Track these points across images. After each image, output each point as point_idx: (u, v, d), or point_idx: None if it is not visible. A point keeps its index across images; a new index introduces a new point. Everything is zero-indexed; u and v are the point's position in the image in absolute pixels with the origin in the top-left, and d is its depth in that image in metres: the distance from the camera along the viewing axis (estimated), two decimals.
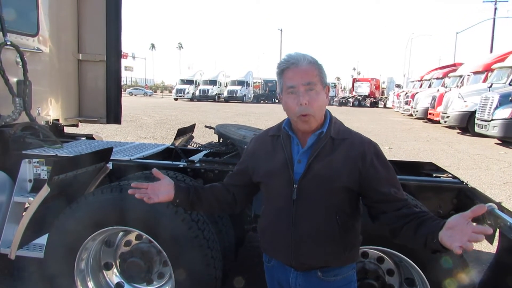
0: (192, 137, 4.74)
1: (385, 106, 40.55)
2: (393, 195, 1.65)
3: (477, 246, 4.44)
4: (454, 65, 26.15)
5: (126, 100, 33.04)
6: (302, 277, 1.74)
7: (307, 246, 1.69)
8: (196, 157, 3.36)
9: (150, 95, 62.99)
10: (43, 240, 2.80)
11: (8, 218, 3.01)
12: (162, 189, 1.81)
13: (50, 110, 4.08)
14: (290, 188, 1.68)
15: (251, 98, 47.60)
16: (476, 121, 13.64)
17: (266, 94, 49.47)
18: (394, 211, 1.63)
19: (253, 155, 1.85)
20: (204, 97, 44.22)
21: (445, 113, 16.50)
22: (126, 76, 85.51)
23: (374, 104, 42.76)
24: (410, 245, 1.69)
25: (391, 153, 10.32)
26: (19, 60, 3.45)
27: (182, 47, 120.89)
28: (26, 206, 3.06)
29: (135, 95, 60.02)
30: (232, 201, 1.92)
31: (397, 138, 13.93)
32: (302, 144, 1.72)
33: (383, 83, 55.17)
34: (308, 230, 1.68)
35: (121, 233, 2.84)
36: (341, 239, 1.69)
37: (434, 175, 3.34)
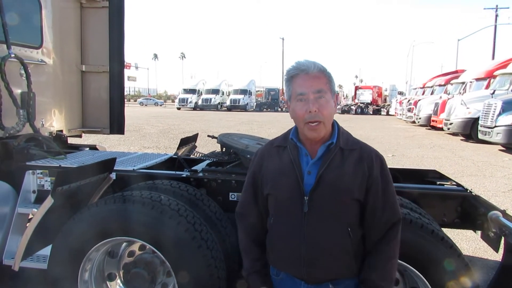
0: (195, 147, 4.75)
1: (387, 114, 40.52)
2: (383, 213, 1.69)
3: (483, 254, 4.40)
4: (456, 72, 26.14)
5: (129, 110, 33.09)
6: None
7: (319, 259, 1.66)
8: (199, 167, 3.36)
9: (161, 105, 62.97)
10: (46, 251, 2.80)
11: (12, 229, 3.01)
12: None
13: (54, 121, 4.10)
14: (300, 201, 1.65)
15: (254, 107, 47.71)
16: (479, 127, 13.60)
17: (269, 103, 49.57)
18: (369, 234, 1.71)
19: (261, 167, 1.80)
20: (207, 106, 44.37)
21: (448, 120, 16.47)
22: (129, 86, 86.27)
23: (376, 112, 42.73)
24: None
25: (395, 161, 10.29)
26: (23, 72, 3.49)
27: (185, 57, 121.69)
28: (30, 217, 3.06)
29: (146, 105, 60.28)
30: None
31: (400, 146, 13.90)
32: (311, 155, 1.70)
33: (386, 90, 55.18)
34: (321, 243, 1.65)
35: (124, 244, 2.83)
36: (353, 250, 1.68)
37: (438, 182, 3.33)
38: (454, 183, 3.21)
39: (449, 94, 20.35)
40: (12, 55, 3.34)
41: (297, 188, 1.66)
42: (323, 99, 1.63)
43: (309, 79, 1.63)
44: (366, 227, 1.72)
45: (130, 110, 33.34)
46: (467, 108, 15.16)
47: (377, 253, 1.69)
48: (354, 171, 1.65)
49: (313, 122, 1.62)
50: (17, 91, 3.48)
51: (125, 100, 4.94)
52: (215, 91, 46.34)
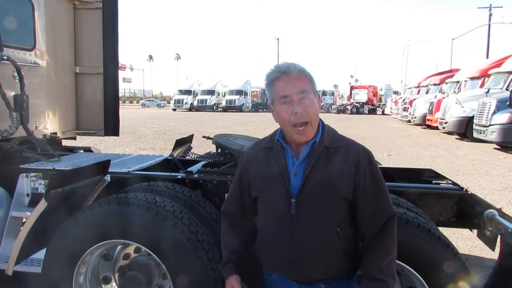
0: (190, 148, 4.74)
1: (383, 113, 40.67)
2: (375, 211, 1.66)
3: (479, 253, 4.41)
4: (451, 71, 26.23)
5: (125, 112, 33.07)
6: None
7: (310, 260, 1.65)
8: (194, 168, 3.35)
9: (163, 106, 62.61)
10: (41, 254, 2.78)
11: (5, 233, 2.98)
12: None
13: (48, 124, 4.07)
14: (288, 203, 1.64)
15: (250, 107, 47.71)
16: (474, 126, 13.67)
17: (264, 103, 49.57)
18: (368, 236, 1.68)
19: (248, 169, 1.79)
20: (203, 107, 44.33)
21: (443, 119, 16.54)
22: (124, 88, 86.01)
23: (372, 111, 42.87)
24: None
25: (391, 160, 10.31)
26: (16, 74, 3.45)
27: (180, 58, 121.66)
28: (23, 220, 3.04)
29: (148, 107, 60.20)
30: (254, 228, 1.88)
31: (396, 145, 13.94)
32: (297, 156, 1.68)
33: (381, 90, 55.34)
34: (310, 244, 1.63)
35: (119, 246, 2.81)
36: (344, 250, 1.67)
37: (434, 181, 3.33)
38: (450, 182, 3.21)
39: (444, 93, 20.43)
40: (5, 57, 3.31)
41: (283, 190, 1.64)
42: (307, 99, 1.61)
43: (291, 81, 1.61)
44: (360, 227, 1.70)
45: (125, 112, 33.29)
46: (462, 107, 15.24)
47: (373, 250, 1.66)
48: (340, 169, 1.62)
49: (301, 125, 1.60)
50: (10, 94, 3.45)
51: (120, 102, 4.91)
52: (211, 92, 46.32)
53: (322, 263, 1.65)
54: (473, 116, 14.06)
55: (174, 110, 44.46)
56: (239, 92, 45.68)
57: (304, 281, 1.68)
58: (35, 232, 2.71)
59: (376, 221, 1.67)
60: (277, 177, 1.66)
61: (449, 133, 17.27)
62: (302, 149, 1.66)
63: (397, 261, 2.39)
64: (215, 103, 45.97)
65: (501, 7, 46.21)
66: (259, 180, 1.72)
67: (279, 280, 1.75)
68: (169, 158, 3.95)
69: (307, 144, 1.66)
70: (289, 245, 1.65)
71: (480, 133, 13.08)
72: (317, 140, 1.66)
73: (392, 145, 13.96)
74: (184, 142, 4.63)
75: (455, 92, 18.86)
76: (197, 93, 46.71)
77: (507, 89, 13.64)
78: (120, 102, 4.84)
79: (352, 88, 49.93)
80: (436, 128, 18.24)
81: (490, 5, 36.66)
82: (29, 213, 2.83)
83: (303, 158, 1.66)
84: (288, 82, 1.62)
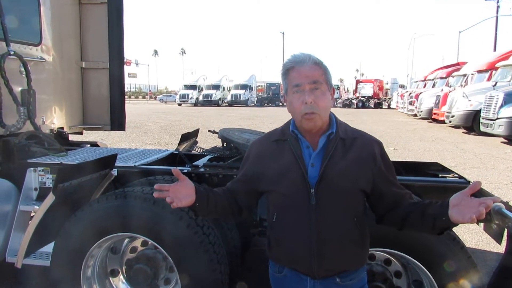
0: (196, 142, 4.75)
1: (389, 107, 40.45)
2: (397, 193, 1.73)
3: (485, 247, 4.40)
4: (457, 64, 25.99)
5: (130, 107, 33.10)
6: (320, 285, 1.67)
7: (330, 251, 1.64)
8: (200, 162, 3.36)
9: None
10: (49, 248, 2.81)
11: (14, 227, 3.02)
12: (184, 193, 1.65)
13: (55, 119, 4.10)
14: (307, 193, 1.63)
15: (255, 102, 47.66)
16: (481, 120, 13.54)
17: (270, 98, 49.55)
18: (397, 208, 1.71)
19: (257, 162, 1.76)
20: (208, 102, 44.37)
21: (450, 112, 16.41)
22: (129, 83, 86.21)
23: (378, 105, 42.62)
24: (417, 230, 1.76)
25: (397, 154, 10.27)
26: (22, 69, 3.48)
27: (185, 53, 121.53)
28: (32, 214, 3.07)
29: (166, 102, 60.18)
30: (238, 208, 1.84)
31: (402, 139, 13.87)
32: (313, 147, 1.68)
33: (387, 83, 55.01)
34: (331, 235, 1.64)
35: (126, 240, 2.84)
36: (360, 241, 1.71)
37: (440, 175, 3.31)
38: (457, 175, 3.19)
39: (450, 86, 20.25)
40: (12, 53, 3.33)
41: (302, 181, 1.64)
42: (319, 90, 1.62)
43: (305, 71, 1.62)
44: (387, 209, 1.73)
45: (131, 107, 33.35)
46: (469, 100, 15.11)
47: (412, 206, 1.68)
48: (358, 162, 1.66)
49: (310, 113, 1.61)
50: (17, 89, 3.47)
51: (126, 97, 4.93)
52: (216, 87, 46.33)
53: (342, 255, 1.67)
54: (480, 110, 13.92)
55: (180, 105, 44.54)
56: (244, 87, 45.63)
57: (322, 275, 1.66)
58: (43, 226, 2.74)
59: (403, 199, 1.73)
60: (294, 168, 1.65)
61: (455, 127, 17.15)
62: (319, 140, 1.68)
63: (403, 254, 2.40)
64: (220, 98, 45.96)
65: None
66: (274, 174, 1.69)
67: (291, 275, 1.71)
68: (175, 152, 3.96)
69: (324, 135, 1.68)
70: (309, 236, 1.63)
71: (487, 127, 12.97)
72: (333, 131, 1.68)
73: (398, 139, 13.89)
74: (190, 137, 4.64)
75: (462, 85, 18.69)
76: (202, 88, 46.75)
77: None
78: (125, 97, 4.86)
79: (357, 82, 49.64)
80: (443, 122, 18.11)
81: None
82: (37, 207, 2.85)
83: (320, 149, 1.67)
84: (301, 71, 1.63)
